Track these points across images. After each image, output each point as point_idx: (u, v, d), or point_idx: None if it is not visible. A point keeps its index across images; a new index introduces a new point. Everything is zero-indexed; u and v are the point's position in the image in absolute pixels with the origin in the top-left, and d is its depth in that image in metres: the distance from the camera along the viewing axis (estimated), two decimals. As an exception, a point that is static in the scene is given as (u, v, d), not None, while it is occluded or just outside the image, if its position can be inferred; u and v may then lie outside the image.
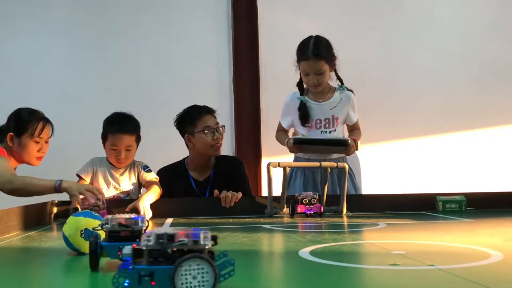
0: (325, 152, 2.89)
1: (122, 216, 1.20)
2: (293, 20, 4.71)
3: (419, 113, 4.70)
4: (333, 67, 2.91)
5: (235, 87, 4.64)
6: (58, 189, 2.33)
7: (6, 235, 1.91)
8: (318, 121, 2.93)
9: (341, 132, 2.95)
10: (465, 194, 2.68)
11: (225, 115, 4.45)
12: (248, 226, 2.17)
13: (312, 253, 1.37)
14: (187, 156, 3.03)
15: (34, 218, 2.20)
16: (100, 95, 4.50)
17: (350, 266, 1.23)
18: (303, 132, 2.92)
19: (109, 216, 1.21)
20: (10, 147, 2.57)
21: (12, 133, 2.56)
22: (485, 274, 1.10)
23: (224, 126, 2.98)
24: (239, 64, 4.65)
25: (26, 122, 2.57)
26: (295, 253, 1.38)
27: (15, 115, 2.61)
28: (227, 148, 4.48)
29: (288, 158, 3.90)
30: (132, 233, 1.19)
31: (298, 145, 2.81)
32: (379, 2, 4.81)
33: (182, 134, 2.97)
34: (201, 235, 0.86)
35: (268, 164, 2.44)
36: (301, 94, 2.99)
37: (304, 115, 2.93)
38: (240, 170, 3.06)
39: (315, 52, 2.81)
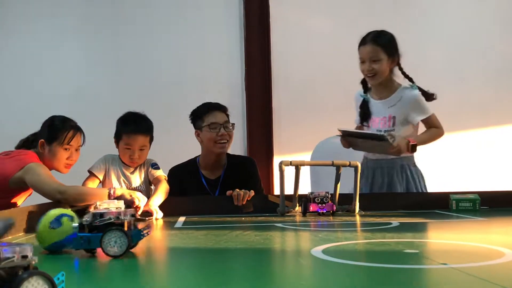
0: (373, 150, 2.86)
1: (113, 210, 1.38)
2: (305, 18, 4.70)
3: (433, 111, 4.66)
4: (394, 62, 2.85)
5: (247, 86, 4.65)
6: (112, 195, 2.41)
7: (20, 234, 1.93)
8: (376, 120, 2.90)
9: (405, 131, 2.83)
10: (479, 193, 2.66)
11: (237, 114, 4.45)
12: (260, 224, 2.17)
13: (325, 251, 1.36)
14: (199, 155, 3.04)
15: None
16: (113, 94, 4.52)
17: (363, 265, 1.22)
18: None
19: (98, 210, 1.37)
20: (41, 153, 2.62)
21: (43, 140, 2.62)
22: (499, 273, 1.09)
23: (234, 124, 2.96)
24: (251, 63, 4.65)
25: (58, 129, 2.62)
26: (307, 251, 1.38)
27: (49, 122, 2.67)
28: (239, 147, 4.49)
29: (300, 157, 3.90)
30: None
31: (345, 137, 2.81)
32: (391, 0, 4.78)
33: (194, 129, 2.98)
34: (28, 249, 0.81)
35: (280, 163, 2.43)
36: (365, 92, 2.99)
37: (365, 114, 2.93)
38: (251, 170, 3.05)
39: (374, 38, 2.83)
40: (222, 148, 2.90)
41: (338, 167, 2.54)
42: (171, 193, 2.69)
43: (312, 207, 2.42)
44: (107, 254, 1.32)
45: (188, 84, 4.59)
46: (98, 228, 1.34)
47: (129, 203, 2.38)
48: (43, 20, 4.64)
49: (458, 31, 4.76)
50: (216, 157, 2.96)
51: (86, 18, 4.65)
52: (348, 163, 2.53)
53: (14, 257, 0.80)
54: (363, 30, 4.59)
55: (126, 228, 1.34)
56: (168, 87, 4.60)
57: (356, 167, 2.50)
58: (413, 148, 2.73)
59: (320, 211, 2.41)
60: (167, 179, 2.75)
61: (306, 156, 4.09)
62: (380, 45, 2.81)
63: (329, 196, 2.44)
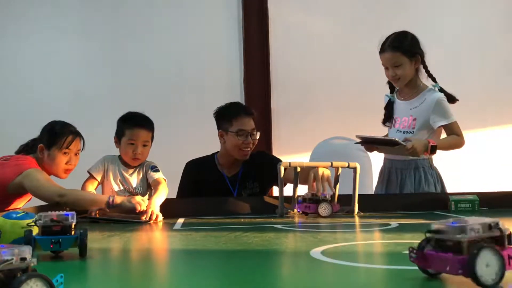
0: (393, 153, 2.83)
1: (54, 213, 1.34)
2: (304, 19, 4.71)
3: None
4: (417, 63, 2.81)
5: (246, 87, 4.65)
6: (111, 204, 2.41)
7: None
8: (398, 120, 2.88)
9: (424, 134, 2.78)
10: (478, 194, 2.66)
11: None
12: (259, 226, 2.17)
13: (324, 253, 1.36)
14: (217, 152, 3.02)
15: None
16: (112, 95, 4.53)
17: (362, 266, 1.22)
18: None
19: (42, 213, 1.34)
20: (40, 158, 2.63)
21: (42, 145, 2.62)
22: (498, 274, 1.08)
23: (259, 132, 2.93)
24: (250, 65, 4.66)
25: (57, 135, 2.63)
26: (306, 253, 1.38)
27: (48, 128, 2.68)
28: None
29: (299, 158, 3.89)
30: (62, 228, 1.34)
31: (362, 144, 2.79)
32: (390, 1, 4.79)
33: (218, 128, 2.96)
34: (26, 251, 0.81)
35: (279, 164, 2.43)
36: (392, 92, 2.97)
37: (388, 114, 2.92)
38: (271, 159, 3.06)
39: (391, 44, 2.78)
40: (245, 156, 2.89)
41: (337, 169, 2.54)
42: (185, 187, 2.68)
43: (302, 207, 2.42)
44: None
45: (188, 85, 4.60)
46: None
47: (131, 210, 2.38)
48: (43, 21, 4.65)
49: (457, 32, 4.77)
50: (235, 158, 2.95)
51: (86, 19, 4.66)
52: (347, 164, 2.53)
53: (13, 259, 0.80)
54: (362, 31, 4.63)
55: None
56: (168, 88, 4.60)
57: (355, 168, 2.50)
58: (432, 150, 2.66)
59: (306, 211, 2.40)
60: (166, 180, 2.75)
61: (305, 157, 4.09)
62: (400, 50, 2.76)
63: (329, 197, 2.43)
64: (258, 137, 2.92)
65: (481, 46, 4.77)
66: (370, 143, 2.79)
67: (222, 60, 4.70)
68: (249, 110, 2.96)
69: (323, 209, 2.37)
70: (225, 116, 2.90)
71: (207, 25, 4.71)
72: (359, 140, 2.74)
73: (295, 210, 2.49)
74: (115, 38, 4.65)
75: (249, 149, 2.87)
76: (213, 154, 3.04)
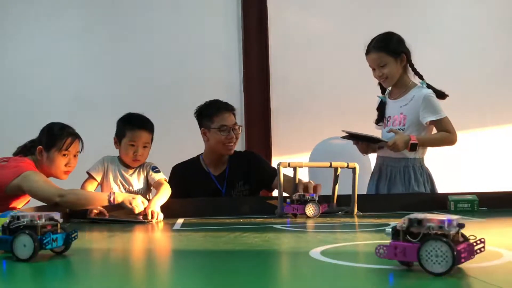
0: (382, 149, 2.88)
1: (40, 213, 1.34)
2: (303, 19, 4.71)
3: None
4: (403, 61, 2.84)
5: (245, 87, 4.65)
6: (112, 202, 2.42)
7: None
8: (389, 118, 2.91)
9: (415, 131, 2.79)
10: (477, 194, 2.66)
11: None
12: (258, 226, 2.17)
13: (323, 253, 1.36)
14: (201, 153, 3.05)
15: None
16: (112, 96, 4.52)
17: (361, 266, 1.22)
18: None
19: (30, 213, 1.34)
20: (39, 160, 2.64)
21: (41, 147, 2.63)
22: (497, 274, 1.09)
23: (241, 126, 2.98)
24: (249, 65, 4.66)
25: (56, 136, 2.64)
26: (306, 253, 1.38)
27: (47, 129, 2.68)
28: (237, 148, 4.48)
29: (299, 158, 3.89)
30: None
31: (359, 144, 2.83)
32: (390, 1, 4.79)
33: (200, 126, 2.98)
34: None
35: (279, 164, 2.43)
36: (383, 93, 3.00)
37: (381, 114, 2.96)
38: (260, 161, 3.09)
39: (375, 44, 2.84)
40: (229, 150, 2.93)
41: (336, 169, 2.54)
42: (174, 191, 2.69)
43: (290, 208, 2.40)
44: (17, 258, 1.30)
45: (187, 85, 4.60)
46: (11, 231, 1.33)
47: (129, 212, 2.39)
48: (42, 22, 4.64)
49: (456, 32, 4.77)
50: (220, 155, 2.98)
51: (85, 19, 4.65)
52: (346, 164, 2.53)
53: None
54: (361, 31, 4.60)
55: (39, 233, 1.31)
56: (167, 88, 4.60)
57: (354, 169, 2.50)
58: (412, 147, 2.69)
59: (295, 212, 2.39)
60: (167, 180, 2.75)
61: (304, 157, 4.09)
62: (383, 50, 2.82)
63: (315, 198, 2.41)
64: (240, 131, 2.96)
65: (480, 46, 4.77)
66: (355, 139, 2.83)
67: (221, 60, 4.70)
68: (229, 105, 3.00)
69: (310, 209, 2.36)
70: (206, 114, 2.95)
71: (207, 25, 4.71)
72: (345, 134, 2.78)
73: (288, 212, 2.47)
74: (114, 38, 4.65)
75: (232, 144, 2.92)
76: (198, 155, 3.06)
